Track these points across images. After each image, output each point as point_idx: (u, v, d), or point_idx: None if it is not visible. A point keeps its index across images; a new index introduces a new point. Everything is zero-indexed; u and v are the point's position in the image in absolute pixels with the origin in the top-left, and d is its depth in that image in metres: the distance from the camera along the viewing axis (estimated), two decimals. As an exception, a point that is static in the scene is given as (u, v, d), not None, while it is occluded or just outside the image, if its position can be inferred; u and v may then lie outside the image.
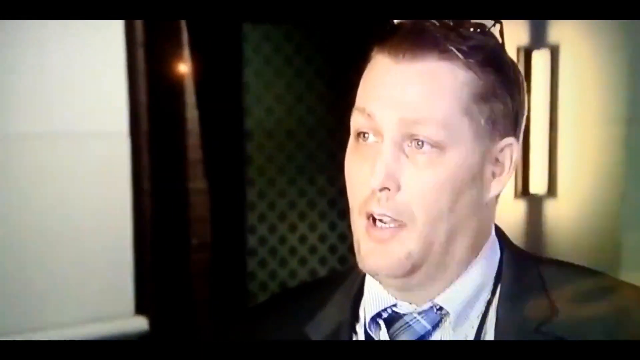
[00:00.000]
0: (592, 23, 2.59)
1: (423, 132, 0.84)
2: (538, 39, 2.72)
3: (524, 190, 2.66)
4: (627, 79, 2.54)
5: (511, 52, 2.81)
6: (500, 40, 0.89)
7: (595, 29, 2.59)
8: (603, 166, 2.60)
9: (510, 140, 0.88)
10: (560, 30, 2.69)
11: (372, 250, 0.86)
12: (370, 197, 0.86)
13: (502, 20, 0.89)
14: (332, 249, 2.58)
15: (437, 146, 0.84)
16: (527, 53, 2.71)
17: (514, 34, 2.74)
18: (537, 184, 2.63)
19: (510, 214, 2.71)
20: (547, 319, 0.87)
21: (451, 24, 0.87)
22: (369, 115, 0.86)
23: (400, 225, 0.86)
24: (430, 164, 0.85)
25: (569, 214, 2.65)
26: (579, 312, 0.87)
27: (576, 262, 0.97)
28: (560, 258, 1.00)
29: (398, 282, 0.88)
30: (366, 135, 0.87)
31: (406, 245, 0.86)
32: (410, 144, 0.85)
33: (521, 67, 2.75)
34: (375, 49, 0.88)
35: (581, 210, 2.63)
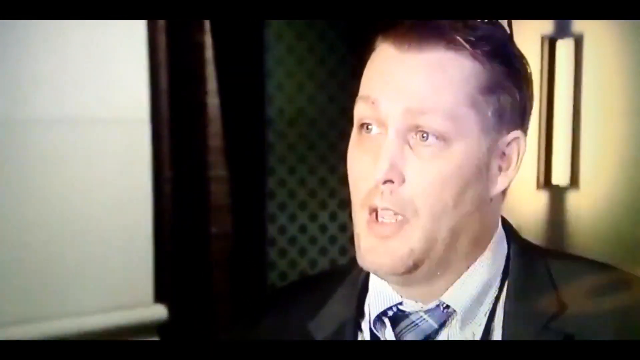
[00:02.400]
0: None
1: (428, 123, 0.82)
2: (562, 29, 2.69)
3: (546, 181, 2.61)
4: (651, 70, 2.53)
5: (535, 41, 2.79)
6: (508, 31, 0.87)
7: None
8: (626, 158, 2.56)
9: (517, 133, 0.86)
10: (585, 20, 2.67)
11: (372, 246, 0.84)
12: (374, 190, 0.83)
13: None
14: (353, 239, 2.58)
15: (443, 138, 0.82)
16: (551, 42, 2.69)
17: (537, 23, 2.71)
18: (560, 175, 2.59)
19: (532, 205, 2.67)
20: (556, 315, 0.85)
21: None
22: (373, 103, 0.84)
23: (403, 220, 0.83)
24: (435, 156, 0.83)
25: (591, 205, 2.58)
26: (588, 308, 0.86)
27: (598, 254, 0.97)
28: (582, 249, 0.99)
29: (399, 278, 0.86)
30: (369, 126, 0.85)
31: (408, 241, 0.83)
32: (414, 136, 0.83)
33: (545, 57, 2.74)
34: (380, 38, 0.86)
35: (603, 202, 2.56)
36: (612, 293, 0.87)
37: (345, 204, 2.58)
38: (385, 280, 0.88)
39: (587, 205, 2.60)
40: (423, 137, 0.83)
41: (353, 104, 0.86)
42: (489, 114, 0.84)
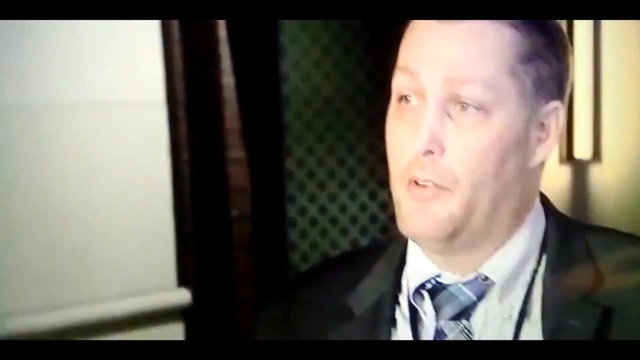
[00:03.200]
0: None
1: (468, 93, 0.82)
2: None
3: (568, 156, 2.58)
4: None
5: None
6: None
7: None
8: None
9: (556, 104, 0.86)
10: None
11: (414, 210, 0.85)
12: (414, 161, 0.84)
13: None
14: (373, 219, 2.55)
15: (482, 108, 0.82)
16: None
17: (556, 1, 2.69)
18: (582, 149, 2.57)
19: (554, 180, 2.66)
20: (594, 287, 0.86)
21: None
22: (412, 74, 0.84)
23: (444, 188, 0.84)
24: (476, 127, 0.83)
25: (615, 178, 2.56)
26: (626, 281, 0.86)
27: (622, 229, 0.95)
28: (606, 224, 0.98)
29: (440, 245, 0.87)
30: (409, 97, 0.85)
31: (449, 207, 0.84)
32: (454, 106, 0.83)
33: (564, 30, 2.72)
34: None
35: (627, 175, 2.55)
36: None
37: (365, 183, 2.56)
38: (425, 247, 0.88)
39: (610, 178, 2.57)
40: (463, 107, 0.83)
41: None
42: (528, 83, 0.84)
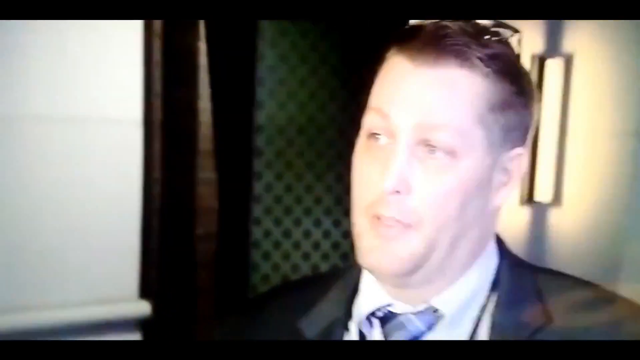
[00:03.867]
0: (607, 32, 2.59)
1: (438, 138, 0.84)
2: (552, 47, 2.71)
3: (529, 198, 2.59)
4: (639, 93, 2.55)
5: (525, 59, 2.83)
6: (517, 51, 0.88)
7: (610, 39, 2.59)
8: (609, 177, 2.49)
9: (520, 150, 0.88)
10: (575, 39, 2.68)
11: (375, 246, 0.85)
12: (380, 198, 0.85)
13: (520, 30, 0.88)
14: (335, 246, 2.61)
15: (450, 153, 0.84)
16: (541, 61, 2.72)
17: (528, 42, 2.74)
18: (543, 192, 2.58)
19: (514, 221, 2.65)
20: (542, 326, 0.87)
21: (472, 30, 0.86)
22: (385, 116, 0.85)
23: (406, 226, 0.85)
24: (442, 170, 0.84)
25: (573, 223, 2.55)
26: (573, 322, 0.87)
27: (578, 271, 0.96)
28: (563, 266, 1.00)
29: (396, 280, 0.88)
30: (378, 136, 0.86)
31: (410, 245, 0.85)
32: (423, 149, 0.84)
33: (534, 75, 2.77)
34: (393, 51, 0.87)
35: (585, 220, 2.52)
36: (597, 310, 0.89)
37: (330, 211, 2.63)
38: (381, 280, 0.90)
39: (569, 222, 2.57)
40: (431, 150, 0.84)
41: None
42: (497, 131, 0.85)
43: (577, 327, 0.87)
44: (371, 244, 0.86)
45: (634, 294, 0.93)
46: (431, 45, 0.84)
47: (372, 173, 0.86)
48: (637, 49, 2.48)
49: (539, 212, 2.63)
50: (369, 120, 0.87)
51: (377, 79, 0.88)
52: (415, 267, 0.86)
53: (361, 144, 0.88)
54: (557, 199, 2.58)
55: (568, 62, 2.63)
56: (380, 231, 0.85)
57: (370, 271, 0.90)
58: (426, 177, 0.84)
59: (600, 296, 0.92)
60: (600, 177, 2.54)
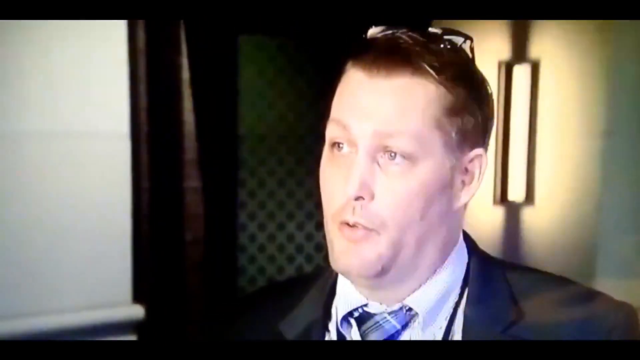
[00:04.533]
0: (572, 38, 2.69)
1: (396, 144, 0.85)
2: (519, 54, 2.80)
3: (502, 197, 2.67)
4: (605, 94, 2.58)
5: (493, 66, 2.94)
6: (470, 56, 0.90)
7: (575, 43, 2.69)
8: (580, 176, 2.56)
9: (479, 151, 0.90)
10: (541, 45, 2.78)
11: (345, 249, 0.87)
12: (345, 205, 0.86)
13: (471, 37, 0.90)
14: (319, 247, 2.69)
15: (409, 158, 0.85)
16: (508, 67, 2.82)
17: (495, 49, 2.85)
18: (516, 192, 2.66)
19: (488, 220, 2.68)
20: (513, 322, 0.88)
21: (423, 40, 0.87)
22: (344, 126, 0.86)
23: (373, 230, 0.86)
24: (402, 174, 0.86)
25: (546, 221, 2.62)
26: (544, 317, 0.88)
27: (551, 268, 0.97)
28: (536, 264, 1.06)
29: (369, 282, 0.89)
30: (341, 145, 0.88)
31: (377, 247, 0.86)
32: (383, 155, 0.86)
33: (502, 81, 2.87)
34: (350, 64, 0.89)
35: (558, 218, 2.59)
36: (568, 305, 0.89)
37: (312, 215, 2.72)
38: (354, 282, 0.91)
39: (541, 221, 2.64)
40: (391, 156, 0.86)
41: (322, 124, 0.90)
42: (453, 134, 0.87)
43: (549, 321, 0.88)
44: (341, 248, 0.87)
45: (607, 288, 0.95)
46: (384, 56, 0.86)
47: (336, 181, 0.87)
48: (600, 52, 2.57)
49: (513, 211, 2.69)
50: (331, 131, 0.89)
51: (337, 91, 0.90)
52: (384, 269, 0.87)
53: (325, 154, 0.90)
54: (529, 198, 2.65)
55: (534, 67, 2.73)
56: (348, 236, 0.87)
57: (343, 274, 0.91)
58: (388, 182, 0.86)
59: (572, 291, 0.92)
60: (570, 176, 2.60)
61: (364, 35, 0.91)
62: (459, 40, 0.90)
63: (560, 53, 2.72)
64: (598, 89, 2.61)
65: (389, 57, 0.86)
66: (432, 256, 0.90)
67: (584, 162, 2.65)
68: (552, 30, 2.72)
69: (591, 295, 0.91)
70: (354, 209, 0.86)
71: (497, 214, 2.78)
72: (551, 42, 2.73)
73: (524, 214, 2.76)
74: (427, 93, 0.86)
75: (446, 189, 0.88)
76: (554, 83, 2.73)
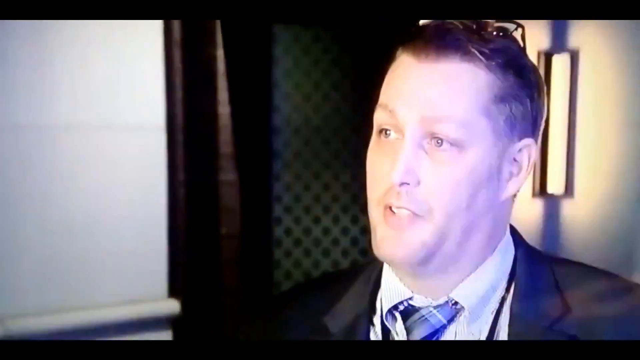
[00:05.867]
0: (612, 27, 2.62)
1: (443, 130, 0.84)
2: (558, 43, 2.72)
3: (541, 190, 2.57)
4: (646, 84, 2.57)
5: (532, 55, 2.85)
6: (521, 44, 0.88)
7: (614, 33, 2.60)
8: (620, 168, 2.46)
9: (528, 141, 0.88)
10: (580, 35, 2.70)
11: (388, 236, 0.86)
12: (390, 190, 0.85)
13: (523, 25, 0.88)
14: (354, 242, 2.65)
15: (456, 144, 0.84)
16: (548, 57, 2.73)
17: (534, 38, 2.77)
18: (555, 184, 2.57)
19: (527, 213, 2.58)
20: (560, 317, 0.87)
21: (474, 27, 0.86)
22: (391, 112, 0.86)
23: (417, 216, 0.85)
24: (449, 161, 0.85)
25: (586, 214, 2.52)
26: (591, 312, 0.87)
27: (590, 262, 0.95)
28: (575, 258, 1.00)
29: (412, 269, 0.88)
30: (388, 131, 0.87)
31: (421, 234, 0.85)
32: (430, 142, 0.85)
33: (541, 71, 2.74)
34: (400, 50, 0.88)
35: (597, 211, 2.50)
36: (614, 299, 0.88)
37: (347, 208, 2.68)
38: (397, 270, 0.90)
39: (581, 214, 2.55)
40: (438, 143, 0.85)
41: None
42: (502, 122, 0.85)
43: (595, 316, 0.87)
44: (384, 234, 0.86)
45: (649, 283, 0.87)
46: (433, 41, 0.85)
47: (382, 166, 0.86)
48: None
49: (552, 204, 2.61)
50: (378, 117, 0.88)
51: (386, 77, 0.89)
52: (427, 256, 0.86)
53: (373, 140, 0.89)
54: (569, 190, 2.57)
55: (574, 57, 2.65)
56: (392, 222, 0.86)
57: (386, 261, 0.90)
58: (434, 168, 0.85)
59: (618, 285, 0.91)
60: (610, 168, 2.51)
61: (416, 22, 0.89)
62: (510, 27, 0.88)
63: (600, 42, 2.64)
64: (639, 79, 2.54)
65: (438, 42, 0.85)
66: (477, 247, 0.88)
67: (624, 154, 2.57)
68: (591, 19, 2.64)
69: (636, 288, 0.90)
70: (399, 194, 0.85)
71: (536, 207, 2.71)
72: (591, 31, 2.66)
73: (563, 207, 2.69)
74: (476, 79, 0.85)
75: (493, 178, 0.86)
76: (594, 73, 2.65)
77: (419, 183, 0.85)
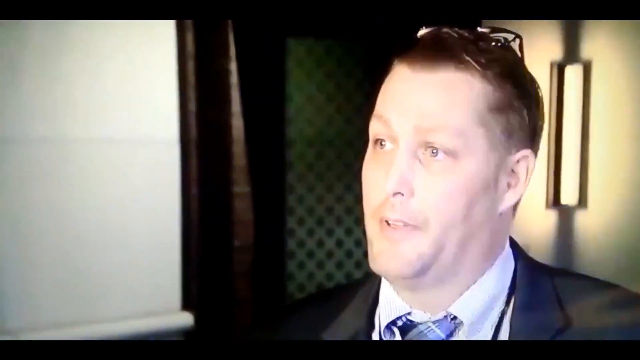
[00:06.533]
0: (624, 38, 2.61)
1: (438, 140, 0.82)
2: (571, 55, 2.69)
3: (555, 201, 2.54)
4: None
5: (545, 67, 2.85)
6: (519, 54, 0.86)
7: (627, 44, 2.60)
8: (633, 179, 2.42)
9: (526, 152, 0.86)
10: (593, 46, 2.68)
11: (384, 250, 0.84)
12: (385, 202, 0.83)
13: (521, 35, 0.87)
14: (367, 254, 2.66)
15: (451, 154, 0.82)
16: (560, 68, 2.69)
17: (547, 50, 2.76)
18: (568, 195, 2.53)
19: (541, 224, 2.54)
20: (560, 330, 0.84)
21: (471, 36, 0.84)
22: (385, 122, 0.84)
23: (413, 227, 0.83)
24: (444, 171, 0.83)
25: (599, 224, 2.48)
26: (592, 324, 0.85)
27: (603, 272, 0.87)
28: (588, 268, 1.01)
29: (408, 282, 0.85)
30: (383, 142, 0.85)
31: (417, 246, 0.83)
32: (425, 152, 0.83)
33: (554, 82, 2.77)
34: (396, 60, 0.86)
35: (611, 222, 2.45)
36: (617, 311, 0.86)
37: (360, 220, 2.67)
38: (394, 284, 0.87)
39: (594, 225, 2.51)
40: (433, 152, 0.83)
41: (368, 127, 0.85)
42: (498, 132, 0.83)
43: (597, 328, 0.84)
44: (380, 248, 0.84)
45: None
46: (428, 51, 0.83)
47: (377, 178, 0.84)
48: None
49: (565, 214, 2.58)
50: (373, 127, 0.86)
51: (381, 88, 0.87)
52: (423, 268, 0.84)
53: (369, 151, 0.87)
54: (582, 201, 2.53)
55: (586, 68, 2.64)
56: (388, 234, 0.83)
57: (382, 275, 0.87)
58: (429, 178, 0.83)
59: (621, 296, 0.88)
60: (624, 179, 2.47)
61: (412, 34, 0.88)
62: (508, 37, 0.86)
63: (612, 53, 2.62)
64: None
65: (433, 51, 0.83)
66: (475, 260, 0.86)
67: (637, 164, 2.55)
68: (603, 30, 2.63)
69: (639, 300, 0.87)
70: (394, 205, 0.83)
71: (550, 218, 2.69)
72: (603, 42, 2.64)
73: (577, 218, 2.67)
74: (472, 88, 0.83)
75: (490, 190, 0.85)
76: (607, 84, 2.64)
77: (413, 193, 0.83)
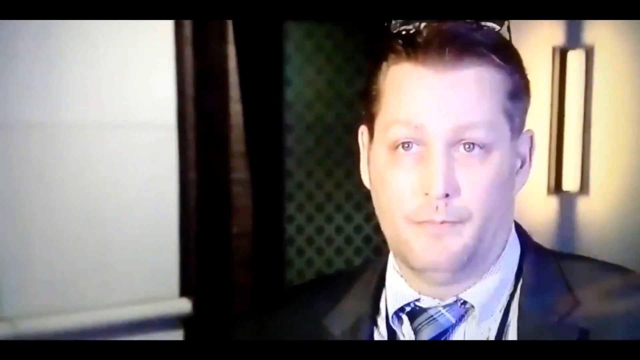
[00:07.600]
0: (627, 24, 2.56)
1: (474, 136, 0.83)
2: (573, 40, 2.64)
3: (556, 187, 2.49)
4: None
5: (546, 51, 2.81)
6: (507, 37, 0.86)
7: (630, 29, 2.56)
8: (636, 165, 2.37)
9: (530, 131, 0.88)
10: (595, 31, 2.63)
11: (428, 245, 0.84)
12: (424, 205, 0.83)
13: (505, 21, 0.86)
14: (367, 240, 2.60)
15: (485, 147, 0.83)
16: (563, 53, 2.64)
17: (549, 35, 2.72)
18: (570, 181, 2.48)
19: (542, 210, 2.52)
20: (569, 311, 0.85)
21: (475, 26, 0.83)
22: (417, 126, 0.82)
23: (457, 222, 0.84)
24: (481, 164, 0.84)
25: (601, 211, 2.44)
26: (601, 305, 0.85)
27: (606, 259, 0.93)
28: (590, 254, 0.94)
29: (448, 276, 0.85)
30: (408, 145, 0.84)
31: (462, 238, 0.84)
32: (458, 149, 0.83)
33: (556, 67, 2.74)
34: (391, 60, 0.84)
35: (613, 208, 2.41)
36: (625, 293, 0.86)
37: (360, 206, 2.62)
38: (433, 279, 0.86)
39: (597, 210, 2.47)
40: (468, 148, 0.83)
41: (362, 126, 0.84)
42: (517, 118, 0.86)
43: (606, 310, 0.84)
44: (423, 245, 0.84)
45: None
46: (444, 48, 0.81)
47: (407, 182, 0.83)
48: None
49: (567, 201, 2.53)
50: (395, 133, 0.84)
51: (387, 90, 0.84)
52: (467, 261, 0.84)
53: (383, 155, 0.85)
54: (584, 187, 2.49)
55: (589, 53, 2.59)
56: (430, 231, 0.83)
57: (428, 270, 0.86)
58: (469, 174, 0.83)
59: (629, 279, 0.88)
60: (626, 165, 2.43)
61: (400, 30, 0.85)
62: (497, 25, 0.86)
63: (615, 38, 2.57)
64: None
65: (450, 49, 0.82)
66: (499, 246, 0.87)
67: (639, 149, 2.53)
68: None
69: None
70: (437, 207, 0.82)
71: (551, 204, 2.65)
72: (606, 27, 2.59)
73: (579, 204, 2.64)
74: (493, 79, 0.84)
75: (512, 175, 0.87)
76: (609, 69, 2.59)
77: (459, 193, 0.83)
